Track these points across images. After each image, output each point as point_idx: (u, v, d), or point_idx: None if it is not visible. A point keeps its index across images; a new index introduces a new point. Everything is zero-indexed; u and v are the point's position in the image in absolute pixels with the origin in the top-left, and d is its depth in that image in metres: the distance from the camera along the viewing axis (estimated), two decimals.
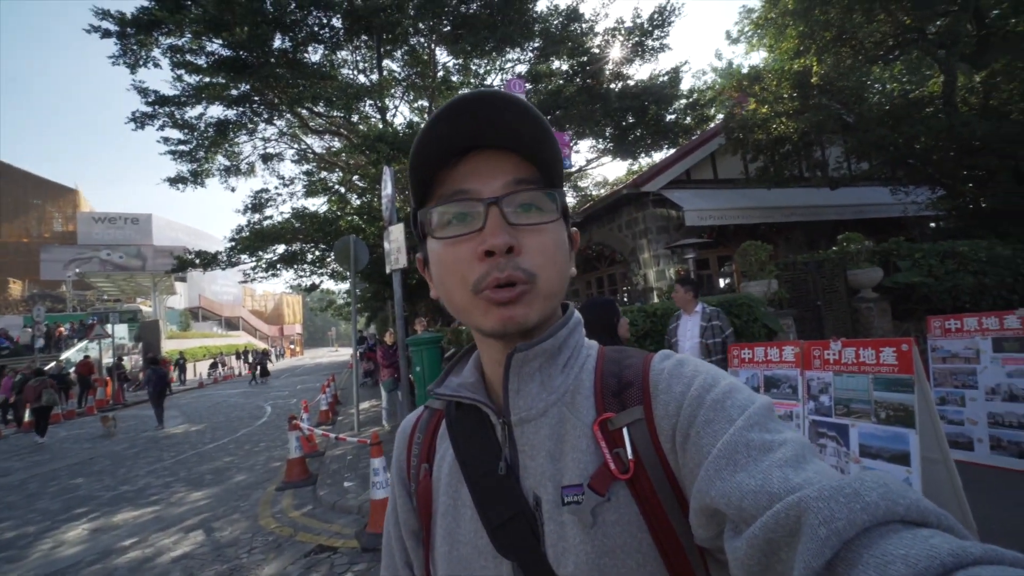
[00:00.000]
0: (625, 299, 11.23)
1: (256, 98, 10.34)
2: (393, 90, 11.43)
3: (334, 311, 28.58)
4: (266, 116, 11.34)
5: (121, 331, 23.96)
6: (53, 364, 16.10)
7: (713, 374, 0.51)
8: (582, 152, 44.68)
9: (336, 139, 13.26)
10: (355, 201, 14.17)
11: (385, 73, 11.20)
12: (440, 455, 0.61)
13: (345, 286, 20.14)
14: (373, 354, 12.72)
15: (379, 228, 10.28)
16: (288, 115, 11.72)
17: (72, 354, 19.89)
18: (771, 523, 0.35)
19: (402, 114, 13.42)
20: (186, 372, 25.46)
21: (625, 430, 0.51)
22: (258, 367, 22.15)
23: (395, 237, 6.07)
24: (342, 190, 14.30)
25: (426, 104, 11.98)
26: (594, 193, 18.24)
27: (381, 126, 11.35)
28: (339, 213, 13.43)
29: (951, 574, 0.27)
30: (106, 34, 8.88)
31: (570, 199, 18.53)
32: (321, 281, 16.68)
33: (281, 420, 10.55)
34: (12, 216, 33.20)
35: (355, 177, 13.21)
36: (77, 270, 30.22)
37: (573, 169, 13.87)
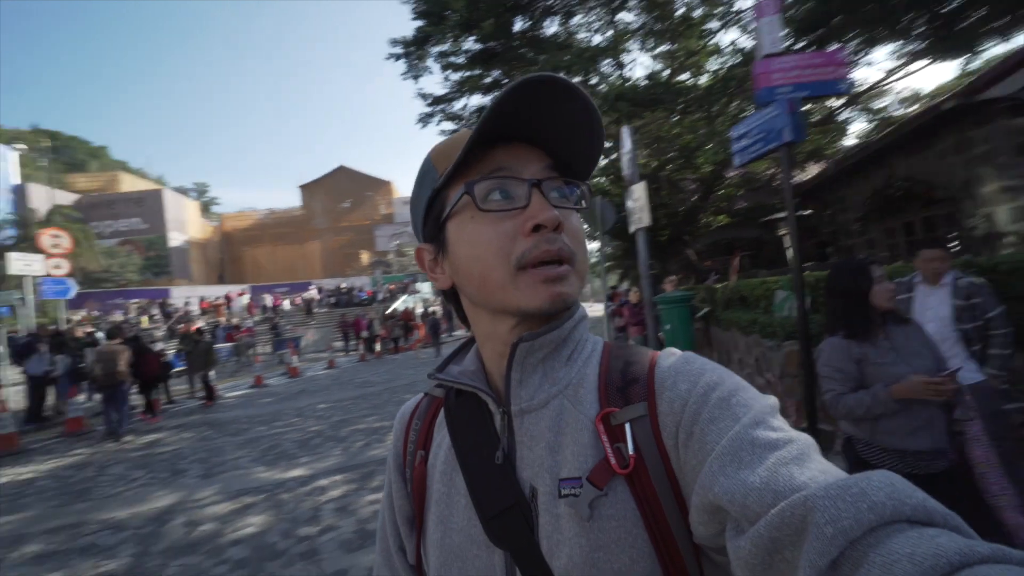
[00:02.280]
0: (957, 249, 8.47)
1: (505, 80, 11.42)
2: (629, 42, 10.92)
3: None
4: None
5: (426, 288, 30.60)
6: (385, 311, 21.81)
7: (719, 372, 0.51)
8: (874, 63, 34.37)
9: None
10: (600, 162, 14.34)
11: (620, 27, 10.77)
12: (437, 443, 0.62)
13: (598, 244, 20.95)
14: (623, 310, 12.99)
15: (624, 188, 10.28)
16: None
17: (398, 305, 26.45)
18: (776, 521, 0.34)
19: (641, 65, 12.72)
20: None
21: (628, 425, 0.50)
22: None
23: (638, 196, 5.99)
24: None
25: (668, 47, 11.08)
26: (897, 113, 14.03)
27: (620, 82, 11.09)
28: None
29: (957, 573, 0.27)
30: (397, 57, 11.14)
31: (861, 124, 14.72)
32: None
33: None
34: (358, 206, 45.46)
35: None
36: (396, 242, 39.75)
37: (860, 88, 10.89)
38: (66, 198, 36.65)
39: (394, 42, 10.94)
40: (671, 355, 0.56)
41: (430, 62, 11.22)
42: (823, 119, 10.98)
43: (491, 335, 0.58)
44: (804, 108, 5.01)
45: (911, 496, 0.32)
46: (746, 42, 10.19)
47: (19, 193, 34.70)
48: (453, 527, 0.56)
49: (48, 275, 9.89)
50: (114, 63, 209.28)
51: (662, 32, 10.58)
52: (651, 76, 10.60)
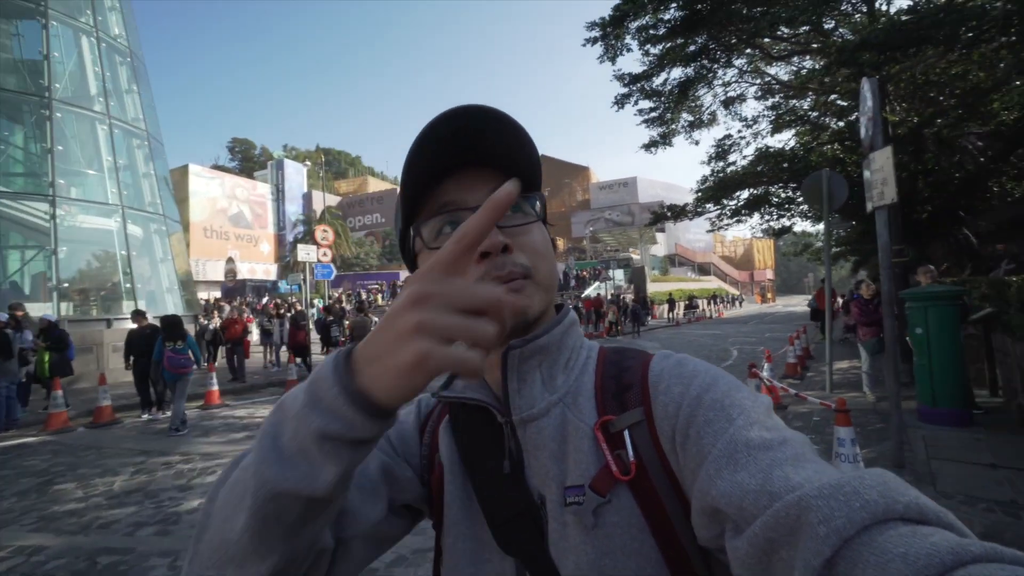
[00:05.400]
0: None
1: (712, 45, 10.23)
2: None
3: (810, 255, 25.78)
4: (724, 60, 11.04)
5: (619, 275, 30.18)
6: (572, 299, 22.15)
7: (713, 374, 0.51)
8: None
9: (807, 58, 11.43)
10: (835, 125, 11.95)
11: None
12: (443, 449, 0.61)
13: (822, 227, 17.77)
14: (853, 306, 10.73)
15: (860, 156, 8.35)
16: (747, 51, 11.00)
17: (590, 291, 26.72)
18: (771, 522, 0.35)
19: None
20: (674, 310, 28.28)
21: (626, 432, 0.51)
22: None
23: (879, 165, 4.71)
24: (814, 115, 12.33)
25: None
26: None
27: (868, 22, 8.92)
28: (811, 145, 11.71)
29: (951, 572, 0.27)
30: (593, 41, 10.92)
31: None
32: (792, 223, 15.29)
33: (745, 365, 10.60)
34: (554, 194, 47.07)
35: (832, 97, 11.07)
36: (591, 229, 40.03)
37: None
38: (332, 200, 46.95)
39: (591, 25, 10.79)
40: (665, 358, 0.56)
41: (628, 39, 10.78)
42: None
43: None
44: None
45: (904, 494, 0.32)
46: None
47: (306, 199, 45.73)
48: (464, 532, 0.56)
49: (319, 261, 12.84)
50: (361, 85, 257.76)
51: None
52: (912, 9, 8.26)
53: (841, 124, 11.59)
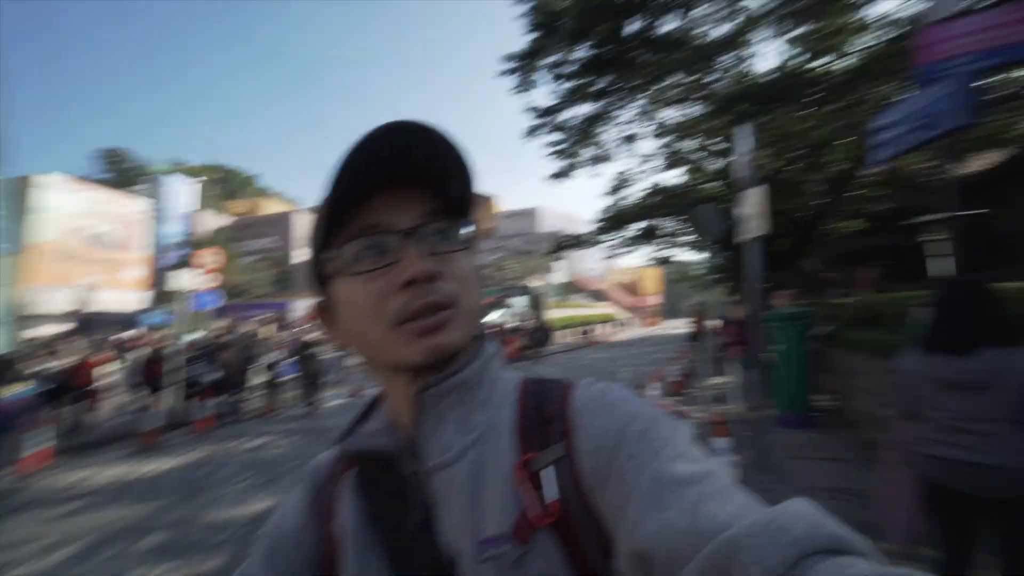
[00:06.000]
0: None
1: (618, 84, 11.01)
2: (758, 30, 9.87)
3: (690, 282, 28.41)
4: (627, 100, 11.89)
5: (520, 302, 30.85)
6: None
7: (635, 404, 0.50)
8: None
9: (696, 104, 12.74)
10: (716, 165, 13.39)
11: (749, 13, 9.74)
12: (346, 511, 0.55)
13: (703, 256, 19.70)
14: (728, 328, 11.88)
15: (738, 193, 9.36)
16: (649, 91, 11.98)
17: (492, 318, 26.91)
18: (705, 565, 0.34)
19: (770, 54, 11.61)
20: (570, 336, 29.56)
21: (548, 470, 0.48)
22: None
23: (755, 201, 5.32)
24: (700, 155, 13.73)
25: (807, 27, 9.80)
26: None
27: (741, 78, 10.18)
28: (698, 181, 12.99)
29: None
30: (508, 72, 11.28)
31: None
32: (672, 254, 16.67)
33: (634, 387, 11.13)
34: None
35: (710, 141, 12.42)
36: (493, 257, 40.70)
37: None
38: (224, 222, 43.05)
39: (508, 57, 11.12)
40: (587, 387, 0.53)
41: (542, 74, 11.23)
42: (1010, 95, 8.84)
43: (394, 389, 0.54)
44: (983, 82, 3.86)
45: (824, 526, 0.33)
46: (908, 9, 8.63)
47: (190, 220, 41.36)
48: None
49: (199, 289, 11.38)
50: (257, 100, 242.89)
51: (801, 12, 9.28)
52: (782, 67, 9.55)
53: (721, 165, 13.01)
